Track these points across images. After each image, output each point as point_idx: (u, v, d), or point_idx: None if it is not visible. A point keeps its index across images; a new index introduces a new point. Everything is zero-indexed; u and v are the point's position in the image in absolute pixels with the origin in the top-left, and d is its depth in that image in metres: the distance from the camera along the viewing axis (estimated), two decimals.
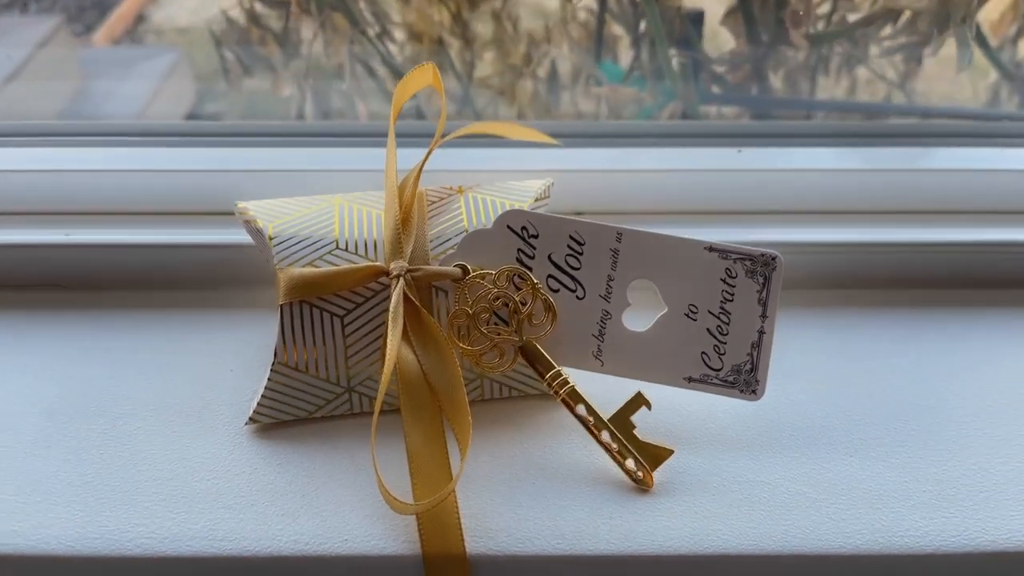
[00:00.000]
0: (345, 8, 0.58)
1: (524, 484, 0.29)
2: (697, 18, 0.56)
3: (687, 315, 0.31)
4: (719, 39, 0.55)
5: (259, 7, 0.59)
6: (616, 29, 0.60)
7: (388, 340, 0.29)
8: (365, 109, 0.57)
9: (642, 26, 0.59)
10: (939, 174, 0.40)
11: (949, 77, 0.55)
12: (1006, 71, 0.52)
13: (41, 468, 0.30)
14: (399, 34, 0.60)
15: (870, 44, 0.55)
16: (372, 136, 0.43)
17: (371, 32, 0.61)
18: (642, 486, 0.29)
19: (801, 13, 0.49)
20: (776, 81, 0.57)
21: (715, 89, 0.57)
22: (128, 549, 0.28)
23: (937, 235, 0.38)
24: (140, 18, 0.70)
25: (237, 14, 0.59)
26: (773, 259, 0.30)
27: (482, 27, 0.60)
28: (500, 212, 0.32)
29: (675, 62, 0.55)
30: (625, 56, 0.60)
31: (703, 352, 0.31)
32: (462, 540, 0.27)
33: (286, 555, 0.27)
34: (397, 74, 0.59)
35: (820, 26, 0.53)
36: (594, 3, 0.55)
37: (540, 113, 0.61)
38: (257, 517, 0.28)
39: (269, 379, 0.31)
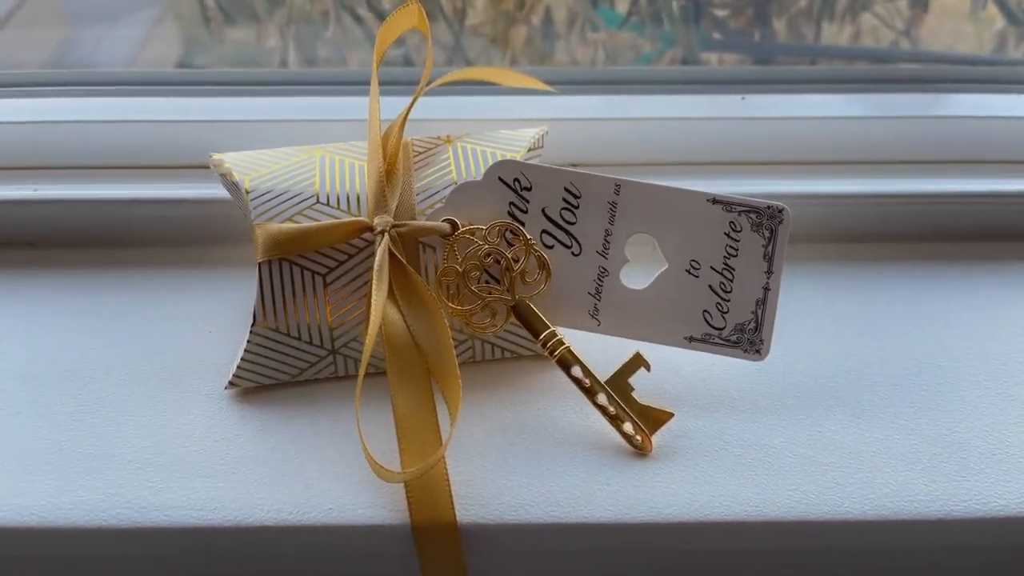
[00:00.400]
0: None
1: (517, 449, 0.28)
2: None
3: (688, 271, 0.29)
4: None
5: None
6: None
7: (373, 300, 0.27)
8: (350, 58, 0.54)
9: None
10: (951, 121, 0.38)
11: (952, 27, 0.53)
12: (1013, 16, 0.49)
13: (11, 435, 0.29)
14: None
15: None
16: (357, 84, 0.40)
17: None
18: (640, 450, 0.28)
19: None
20: (779, 27, 0.55)
21: (716, 35, 0.55)
22: (104, 520, 0.26)
23: (947, 186, 0.36)
24: None
25: None
26: (780, 211, 0.28)
27: None
28: (491, 163, 0.30)
29: (674, 6, 0.52)
30: (621, 2, 0.57)
31: (705, 310, 0.29)
32: (452, 508, 0.26)
33: (269, 525, 0.26)
34: (383, 18, 0.56)
35: None
36: None
37: (535, 61, 0.58)
38: (238, 485, 0.27)
39: (248, 342, 0.29)
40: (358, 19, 0.57)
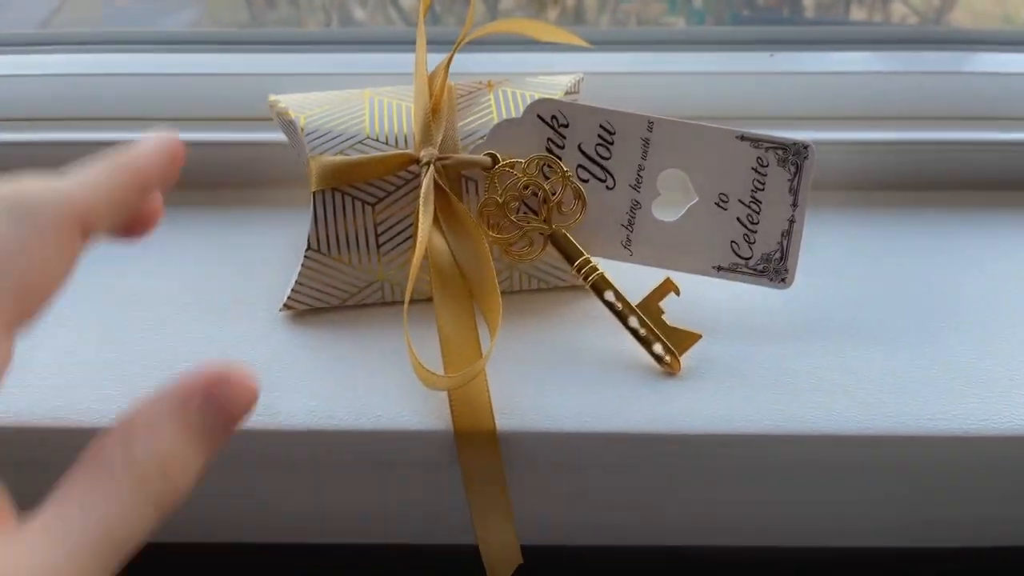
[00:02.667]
0: None
1: (553, 367, 0.30)
2: None
3: (717, 204, 0.31)
4: None
5: None
6: None
7: (420, 224, 0.29)
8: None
9: None
10: (976, 77, 0.39)
11: (981, 8, 0.54)
12: None
13: (81, 350, 0.31)
14: None
15: None
16: (395, 43, 0.43)
17: None
18: (669, 370, 0.30)
19: None
20: (808, 6, 0.56)
21: (745, 12, 0.57)
22: None
23: (968, 135, 0.37)
24: None
25: None
26: (805, 148, 0.30)
27: None
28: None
29: None
30: None
31: (733, 241, 0.31)
32: (492, 416, 0.28)
33: (321, 429, 0.29)
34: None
35: None
36: None
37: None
38: (291, 395, 0.30)
39: (303, 266, 0.32)
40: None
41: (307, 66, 0.41)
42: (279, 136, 0.35)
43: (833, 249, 0.35)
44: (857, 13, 0.57)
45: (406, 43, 0.43)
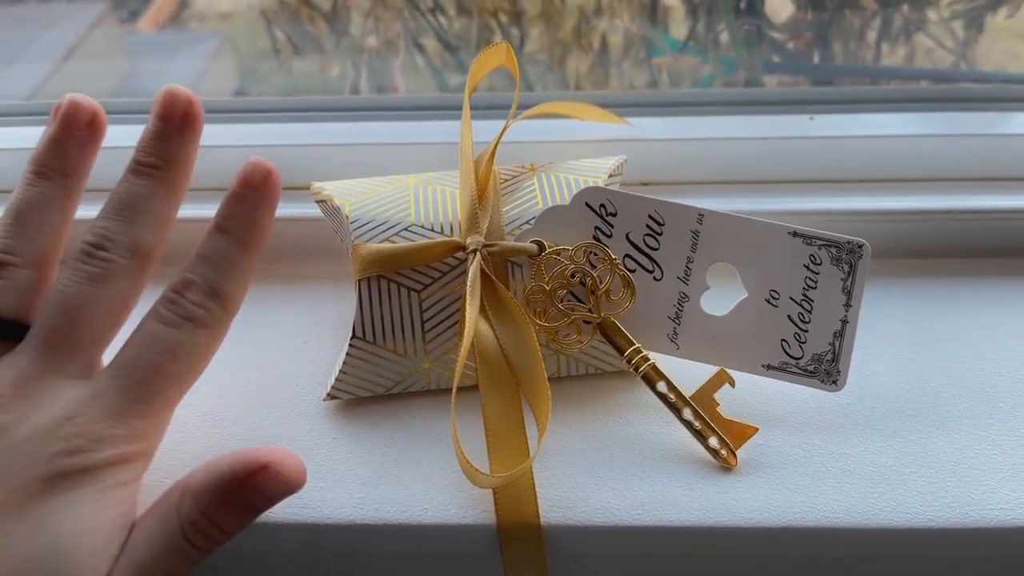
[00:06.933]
0: None
1: (601, 457, 0.32)
2: None
3: (768, 301, 0.32)
4: (768, 6, 0.57)
5: None
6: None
7: (467, 313, 0.31)
8: (404, 84, 0.61)
9: None
10: (1015, 139, 0.41)
11: (1006, 47, 0.56)
12: None
13: None
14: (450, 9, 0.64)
15: (929, 11, 0.57)
16: (432, 109, 0.45)
17: (423, 6, 0.64)
18: (725, 464, 0.31)
19: None
20: (837, 49, 0.59)
21: (775, 58, 0.60)
22: None
23: (1020, 201, 0.39)
24: (183, 4, 0.75)
25: None
26: (860, 247, 0.32)
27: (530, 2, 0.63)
28: (574, 190, 0.34)
29: (734, 30, 0.57)
30: (675, 29, 0.62)
31: (783, 339, 0.32)
32: (537, 511, 0.30)
33: (369, 523, 0.30)
34: (449, 48, 0.63)
35: None
36: None
37: (598, 84, 0.63)
38: (338, 485, 0.32)
39: (347, 354, 0.34)
40: (421, 48, 0.63)
41: (345, 136, 0.43)
42: (317, 210, 0.37)
43: (883, 323, 0.37)
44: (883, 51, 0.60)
45: (435, 108, 0.46)
